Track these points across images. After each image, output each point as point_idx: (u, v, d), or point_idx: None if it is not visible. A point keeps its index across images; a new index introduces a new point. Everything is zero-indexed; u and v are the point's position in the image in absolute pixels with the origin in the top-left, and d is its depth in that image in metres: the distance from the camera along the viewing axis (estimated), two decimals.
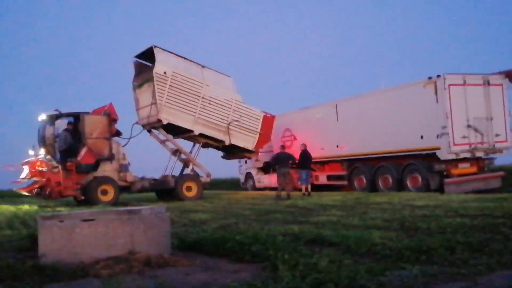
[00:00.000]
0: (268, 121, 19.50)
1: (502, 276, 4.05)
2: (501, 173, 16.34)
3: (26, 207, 16.04)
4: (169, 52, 17.46)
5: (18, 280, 4.52)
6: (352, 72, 78.82)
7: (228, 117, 18.41)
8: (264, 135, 19.41)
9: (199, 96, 17.73)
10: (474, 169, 15.62)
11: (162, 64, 17.02)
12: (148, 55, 17.55)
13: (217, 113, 18.21)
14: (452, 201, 10.69)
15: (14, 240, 7.27)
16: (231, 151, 20.30)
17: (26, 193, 16.88)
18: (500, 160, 16.57)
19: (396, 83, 16.98)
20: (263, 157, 22.02)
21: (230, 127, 18.45)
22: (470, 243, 5.13)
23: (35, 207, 15.80)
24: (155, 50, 16.93)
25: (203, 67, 18.16)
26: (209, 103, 17.98)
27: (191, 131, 17.93)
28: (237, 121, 18.58)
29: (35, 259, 5.17)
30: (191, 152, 19.36)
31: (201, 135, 18.25)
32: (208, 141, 18.89)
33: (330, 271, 4.13)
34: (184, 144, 19.47)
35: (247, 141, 19.13)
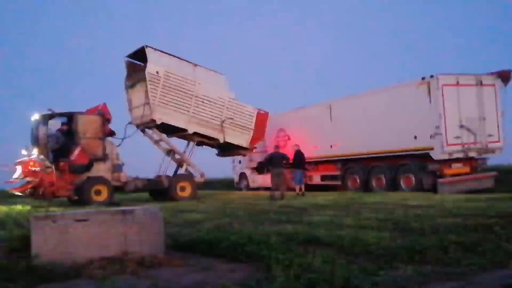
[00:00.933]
0: (262, 118, 19.52)
1: (495, 276, 4.08)
2: (494, 173, 16.42)
3: (19, 207, 15.89)
4: (161, 51, 17.37)
5: (11, 281, 4.49)
6: (351, 72, 78.98)
7: (221, 115, 18.40)
8: (258, 132, 19.44)
9: (192, 95, 17.70)
10: (467, 169, 15.70)
11: (154, 64, 16.95)
12: (140, 55, 17.47)
13: (210, 111, 18.19)
14: (445, 201, 10.75)
15: (6, 240, 7.20)
16: (226, 149, 20.30)
17: (19, 193, 16.75)
18: (492, 160, 16.69)
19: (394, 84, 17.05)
20: (257, 157, 22.03)
21: (224, 125, 18.45)
22: (463, 243, 5.16)
23: (28, 207, 15.65)
24: (147, 50, 16.85)
25: (196, 65, 18.10)
26: (203, 102, 17.95)
27: (185, 130, 17.91)
28: (231, 118, 18.57)
29: (28, 259, 5.13)
30: (185, 151, 19.33)
31: (195, 133, 18.23)
32: (202, 140, 18.87)
33: (324, 271, 4.14)
34: (178, 143, 19.47)
35: (241, 138, 19.14)
